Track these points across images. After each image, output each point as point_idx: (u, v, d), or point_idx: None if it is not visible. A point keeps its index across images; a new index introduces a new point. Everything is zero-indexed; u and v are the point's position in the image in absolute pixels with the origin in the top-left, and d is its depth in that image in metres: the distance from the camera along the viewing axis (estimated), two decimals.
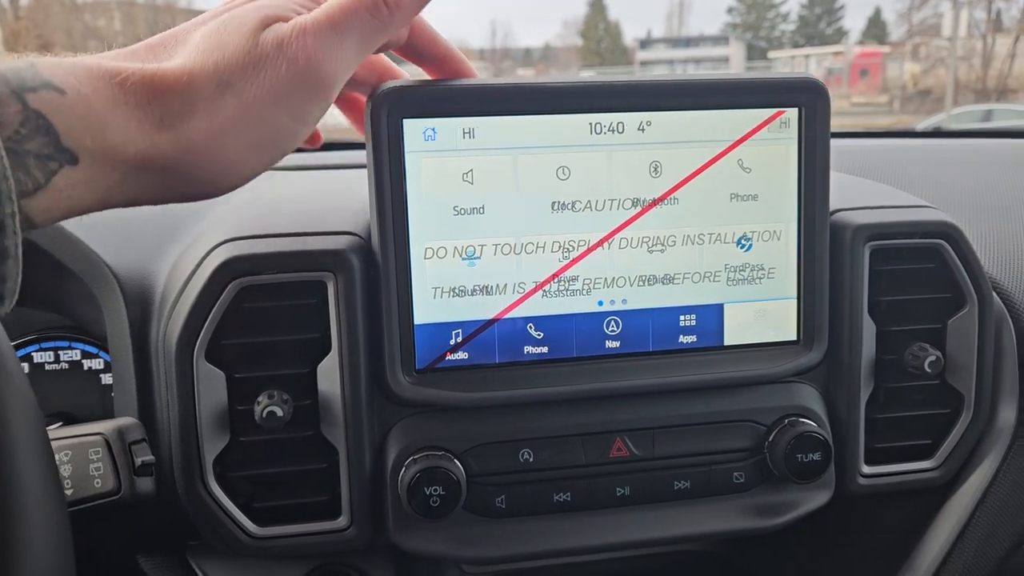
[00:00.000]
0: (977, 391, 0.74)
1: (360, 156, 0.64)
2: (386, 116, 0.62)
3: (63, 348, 0.82)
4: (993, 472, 0.75)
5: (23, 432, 0.40)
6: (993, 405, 0.76)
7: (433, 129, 0.63)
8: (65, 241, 0.67)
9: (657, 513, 0.70)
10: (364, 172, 0.64)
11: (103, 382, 0.82)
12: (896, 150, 1.09)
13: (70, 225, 0.67)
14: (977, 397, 0.74)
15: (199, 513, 0.65)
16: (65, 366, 0.81)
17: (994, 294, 0.76)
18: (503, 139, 0.64)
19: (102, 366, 0.82)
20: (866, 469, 0.74)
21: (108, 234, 0.69)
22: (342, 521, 0.67)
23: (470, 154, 0.64)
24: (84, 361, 0.82)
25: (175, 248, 0.71)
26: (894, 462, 0.74)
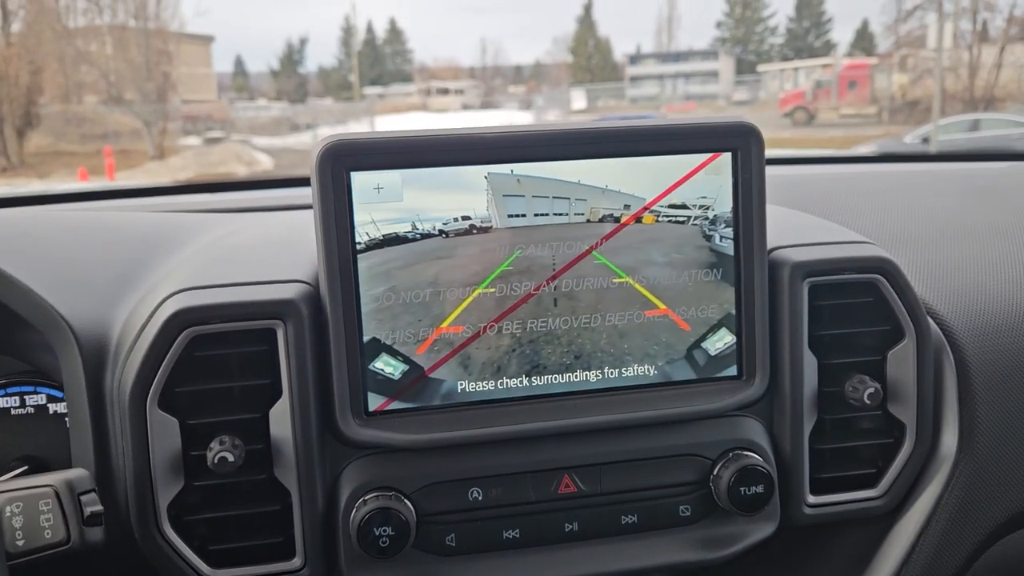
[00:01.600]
0: (918, 420, 0.76)
1: (309, 194, 0.66)
2: (331, 169, 0.64)
3: (29, 392, 0.83)
4: (936, 498, 0.77)
5: None
6: (935, 433, 0.78)
7: (380, 183, 0.65)
8: (19, 293, 0.68)
9: (606, 548, 0.72)
10: (307, 213, 0.66)
11: (68, 425, 0.83)
12: (841, 178, 1.11)
13: (22, 274, 0.68)
14: (919, 426, 0.76)
15: (155, 557, 0.66)
16: (31, 410, 0.83)
17: (932, 323, 0.78)
18: (447, 187, 0.66)
19: (67, 410, 0.83)
20: (812, 499, 0.76)
21: (62, 283, 0.71)
22: (296, 562, 0.68)
23: (414, 205, 0.66)
24: (50, 405, 0.83)
25: (129, 297, 0.73)
26: (839, 491, 0.76)
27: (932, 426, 0.77)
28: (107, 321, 0.71)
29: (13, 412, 0.82)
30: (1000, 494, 0.78)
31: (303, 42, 42.74)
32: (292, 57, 42.06)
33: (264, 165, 15.82)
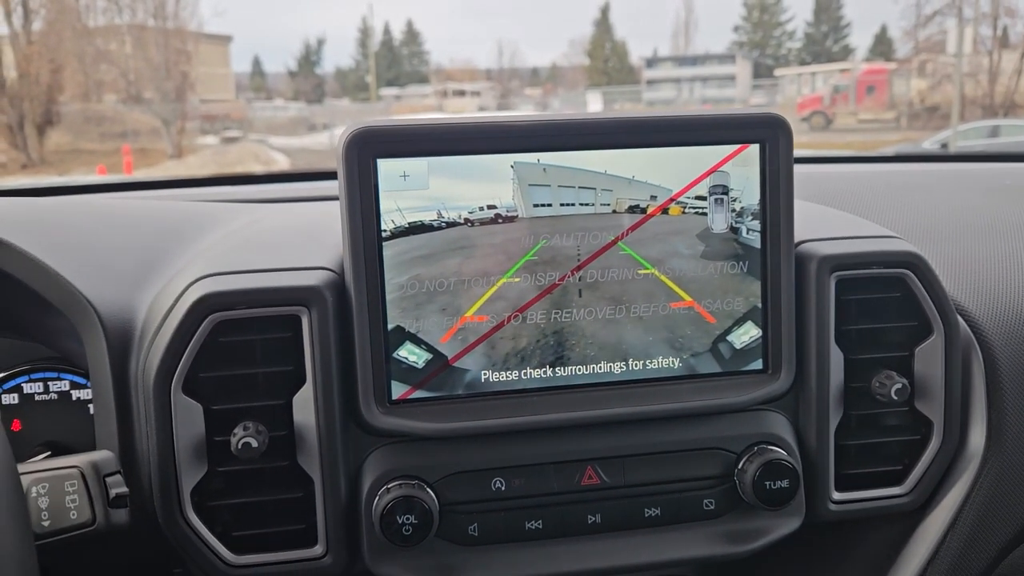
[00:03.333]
0: (946, 417, 0.75)
1: (333, 187, 0.66)
2: (357, 156, 0.64)
3: (52, 379, 0.84)
4: (963, 497, 0.76)
5: None
6: (963, 430, 0.77)
7: (406, 170, 0.65)
8: (46, 277, 0.69)
9: (628, 540, 0.71)
10: (331, 204, 0.66)
11: (91, 412, 0.84)
12: (864, 176, 1.10)
13: (50, 260, 0.69)
14: (946, 423, 0.75)
15: (178, 541, 0.66)
16: (54, 396, 0.83)
17: (960, 320, 0.77)
18: (473, 175, 0.66)
19: (90, 396, 0.84)
20: (837, 495, 0.75)
21: (88, 269, 0.71)
22: (318, 549, 0.68)
23: (439, 192, 0.66)
24: (73, 391, 0.84)
25: (154, 283, 0.73)
26: (865, 488, 0.75)
27: (960, 423, 0.76)
28: (132, 306, 0.71)
29: (37, 398, 0.83)
30: None
31: (320, 43, 42.97)
32: (309, 58, 42.27)
33: (281, 164, 15.90)
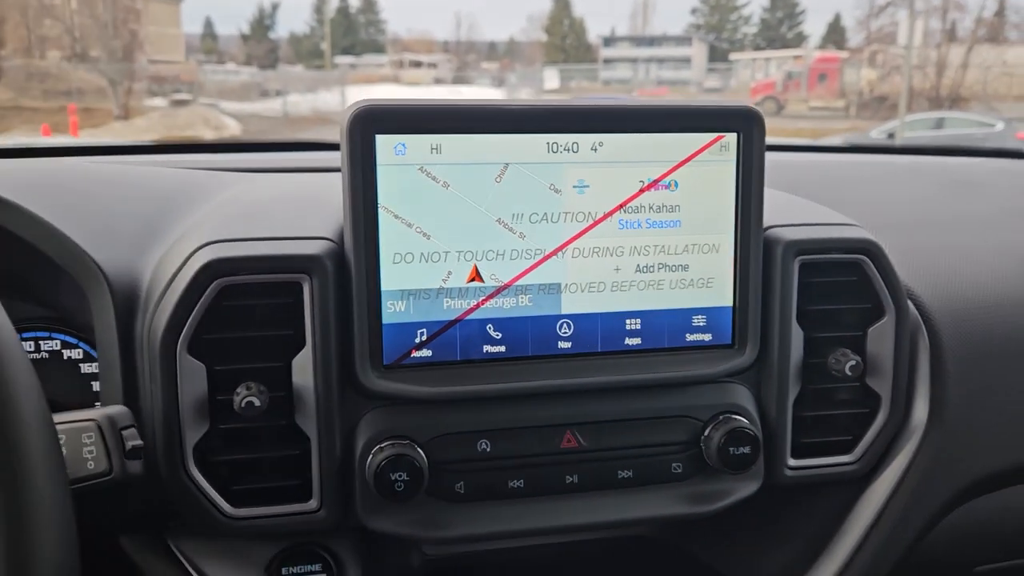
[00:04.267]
0: (893, 392, 0.82)
1: (334, 158, 0.70)
2: (360, 132, 0.67)
3: (43, 338, 0.86)
4: (906, 465, 0.83)
5: (31, 414, 0.46)
6: (908, 405, 0.84)
7: (403, 144, 0.69)
8: (54, 238, 0.71)
9: (603, 500, 0.77)
10: (332, 176, 0.69)
11: (83, 371, 0.86)
12: (827, 166, 1.17)
13: (56, 219, 0.71)
14: (893, 398, 0.82)
15: (180, 494, 0.70)
16: (45, 355, 0.85)
17: (910, 304, 0.83)
18: (469, 155, 0.70)
19: (81, 356, 0.86)
20: (792, 462, 0.81)
21: (93, 232, 0.74)
22: (313, 503, 0.72)
23: (437, 168, 0.70)
24: (64, 351, 0.86)
25: (158, 246, 0.76)
26: (817, 456, 0.82)
27: (905, 398, 0.83)
28: (137, 269, 0.74)
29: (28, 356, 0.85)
30: (965, 462, 0.85)
31: (275, 7, 42.04)
32: (263, 22, 41.38)
33: (232, 130, 15.61)
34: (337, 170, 0.71)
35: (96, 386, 0.85)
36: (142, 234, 0.77)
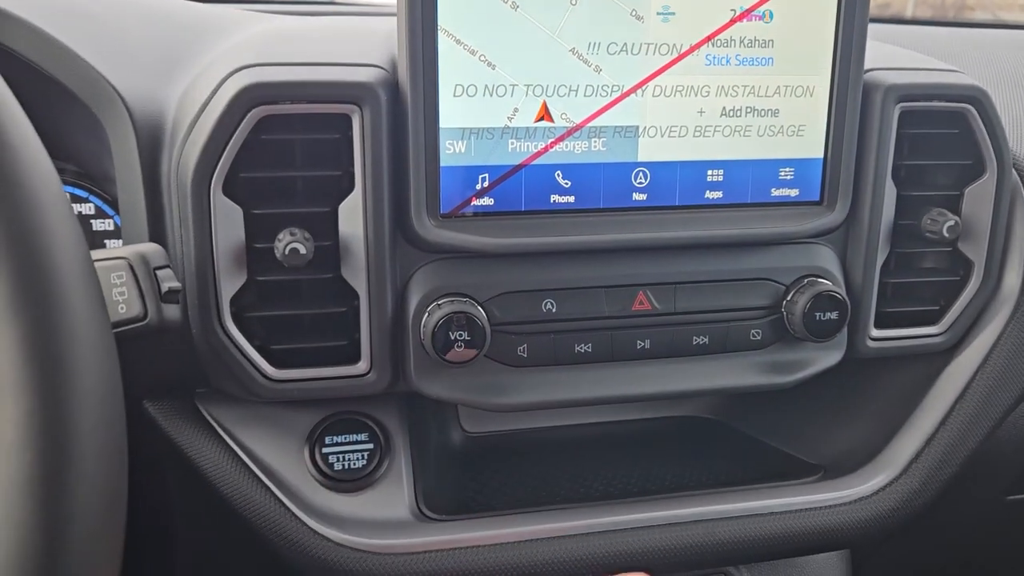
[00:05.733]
0: (988, 259, 0.75)
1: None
2: None
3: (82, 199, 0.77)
4: (995, 338, 0.77)
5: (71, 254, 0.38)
6: (1000, 273, 0.77)
7: None
8: (69, 62, 0.62)
9: (675, 367, 0.70)
10: (383, 18, 0.61)
11: (95, 228, 0.78)
12: (921, 35, 1.07)
13: (68, 39, 0.62)
14: (987, 265, 0.75)
15: (215, 353, 0.63)
16: None
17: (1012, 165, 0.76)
18: None
19: (93, 211, 0.78)
20: (875, 332, 0.75)
21: (112, 53, 0.64)
22: (362, 366, 0.65)
23: None
24: (75, 205, 0.78)
25: (186, 73, 0.66)
26: (902, 326, 0.75)
27: (999, 267, 0.76)
28: (161, 98, 0.64)
29: None
30: None
31: None
32: None
33: None
34: (385, 14, 0.61)
35: (112, 246, 0.77)
36: (168, 63, 0.67)
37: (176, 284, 0.54)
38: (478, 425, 0.86)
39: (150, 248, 0.54)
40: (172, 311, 0.53)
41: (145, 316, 0.51)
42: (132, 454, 0.76)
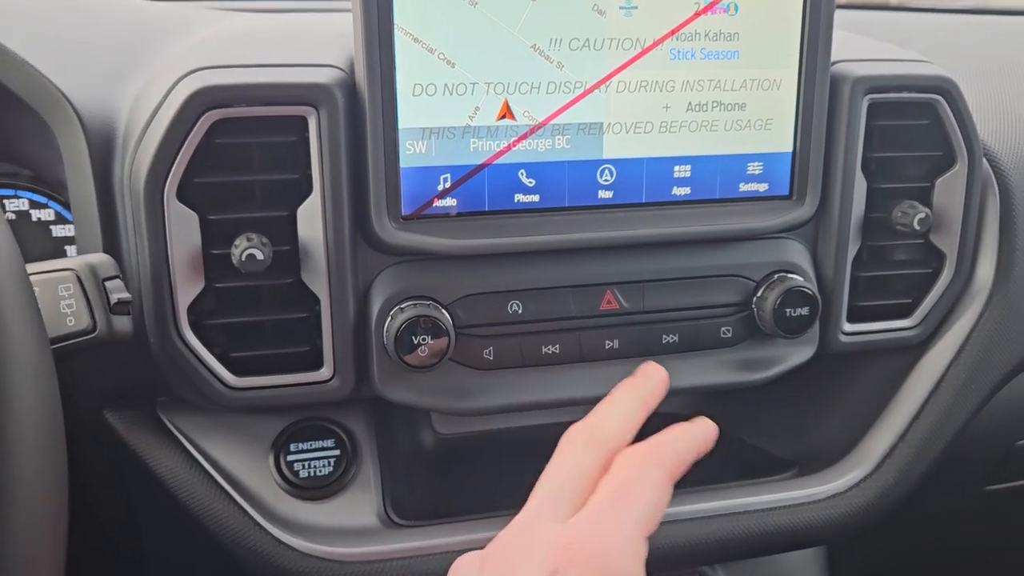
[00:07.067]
0: (960, 250, 0.74)
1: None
2: None
3: (8, 196, 0.76)
4: (969, 330, 0.76)
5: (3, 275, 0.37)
6: (972, 264, 0.76)
7: None
8: (15, 67, 0.60)
9: None
10: (341, 16, 0.59)
11: (55, 234, 0.76)
12: (893, 21, 1.06)
13: (15, 43, 0.60)
14: (959, 256, 0.74)
15: (173, 363, 0.62)
16: (11, 216, 0.76)
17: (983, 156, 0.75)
18: None
19: (53, 217, 0.76)
20: (847, 327, 0.74)
21: (61, 59, 0.63)
22: (324, 372, 0.64)
23: None
24: (33, 211, 0.76)
25: (139, 76, 0.64)
26: (875, 320, 0.75)
27: (971, 258, 0.76)
28: (113, 103, 0.63)
29: None
30: None
31: None
32: None
33: None
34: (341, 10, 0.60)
35: (72, 252, 0.76)
36: (120, 66, 0.66)
37: (126, 295, 0.52)
38: (450, 426, 0.84)
39: (99, 259, 0.53)
40: (122, 323, 0.52)
41: (94, 329, 0.50)
42: (95, 464, 0.75)
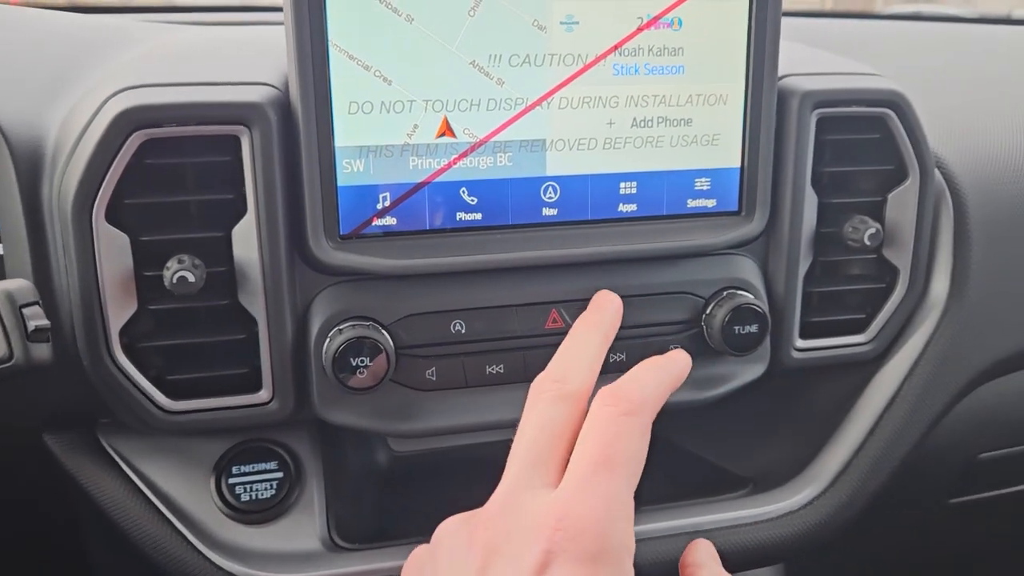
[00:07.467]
0: (913, 265, 0.74)
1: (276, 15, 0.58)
2: None
3: None
4: (923, 345, 0.75)
5: None
6: (927, 279, 0.76)
7: None
8: None
9: None
10: (278, 28, 0.58)
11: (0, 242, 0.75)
12: (837, 26, 1.06)
13: None
14: (912, 271, 0.74)
15: (106, 386, 0.60)
16: None
17: (935, 169, 0.74)
18: None
19: None
20: (800, 343, 0.73)
21: None
22: (263, 394, 0.63)
23: (399, 2, 0.58)
24: None
25: (66, 97, 0.63)
26: (828, 336, 0.74)
27: (925, 272, 0.75)
28: (41, 123, 0.61)
29: None
30: (986, 341, 0.77)
31: None
32: None
33: None
34: (278, 23, 0.59)
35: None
36: (49, 83, 0.65)
37: (44, 322, 0.51)
38: (406, 444, 0.83)
39: (16, 284, 0.51)
40: (41, 350, 0.51)
41: (10, 357, 0.49)
42: (37, 486, 0.74)
